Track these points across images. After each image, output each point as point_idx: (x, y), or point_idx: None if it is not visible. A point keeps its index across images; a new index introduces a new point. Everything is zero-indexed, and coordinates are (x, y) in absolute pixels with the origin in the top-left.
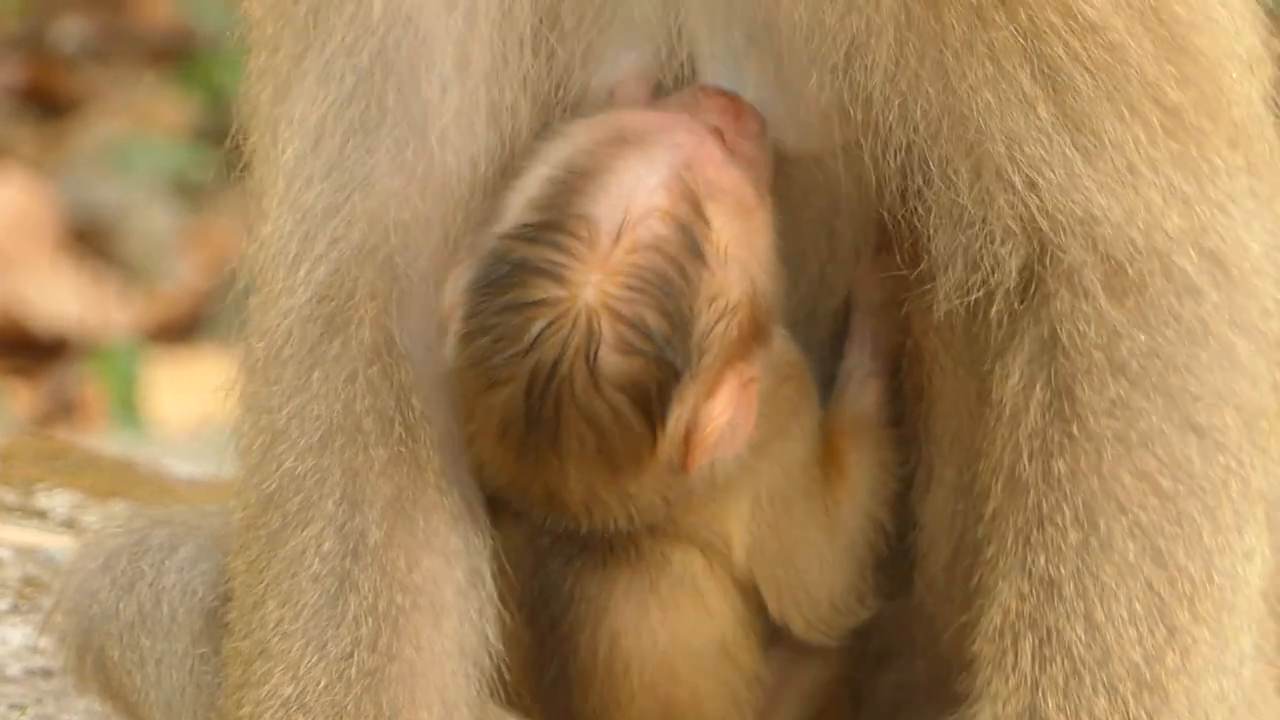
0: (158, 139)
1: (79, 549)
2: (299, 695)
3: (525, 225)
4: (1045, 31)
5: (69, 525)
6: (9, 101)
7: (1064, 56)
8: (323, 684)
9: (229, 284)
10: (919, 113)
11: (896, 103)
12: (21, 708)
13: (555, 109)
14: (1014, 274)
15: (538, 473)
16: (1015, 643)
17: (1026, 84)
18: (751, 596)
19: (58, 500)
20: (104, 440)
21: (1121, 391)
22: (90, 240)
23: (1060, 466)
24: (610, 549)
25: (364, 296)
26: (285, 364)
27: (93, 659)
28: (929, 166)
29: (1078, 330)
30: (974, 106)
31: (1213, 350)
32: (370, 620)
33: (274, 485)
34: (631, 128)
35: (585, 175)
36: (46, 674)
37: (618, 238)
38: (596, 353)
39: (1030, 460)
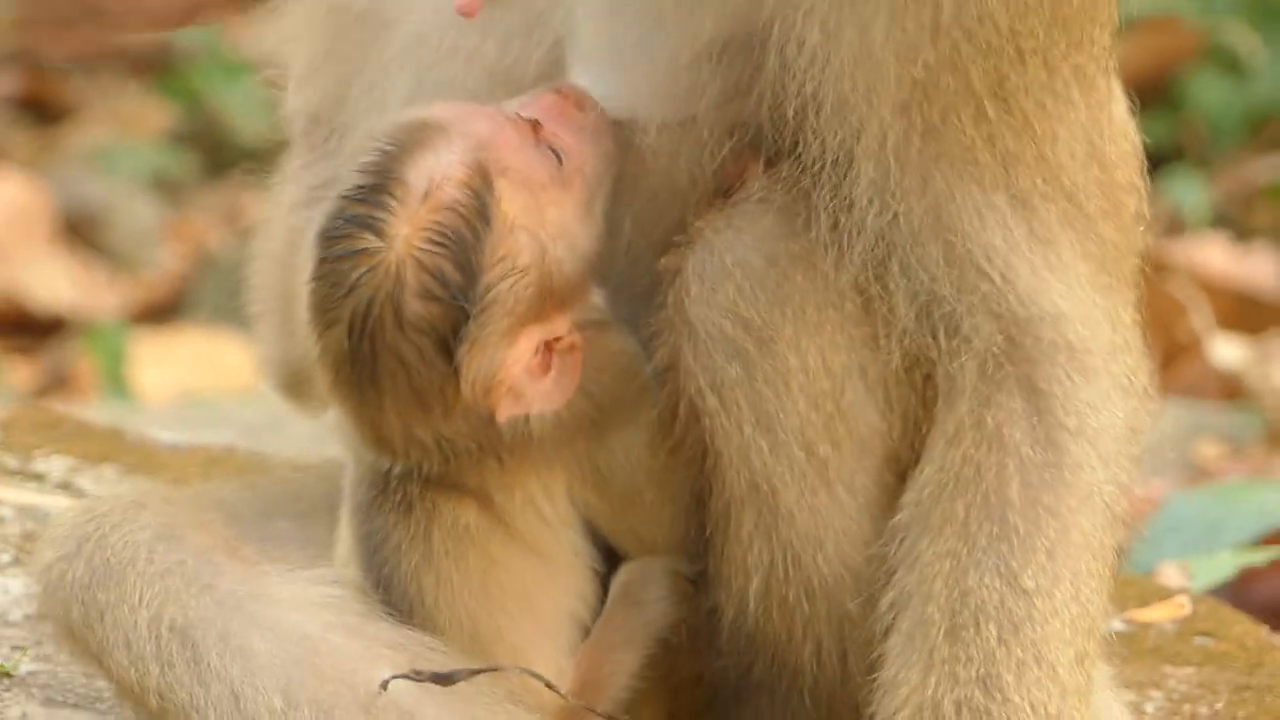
0: (140, 142)
1: (45, 543)
2: None
3: (357, 186)
4: (1018, 165)
5: (64, 487)
6: (7, 109)
7: (1032, 189)
8: None
9: (205, 270)
10: (900, 218)
11: (876, 210)
12: (23, 649)
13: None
14: (978, 344)
15: (363, 410)
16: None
17: (1004, 207)
18: (551, 554)
19: (54, 464)
20: (95, 410)
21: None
22: (81, 232)
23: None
24: (393, 491)
25: None
26: None
27: (64, 630)
28: (902, 251)
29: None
30: (957, 221)
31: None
32: None
33: None
34: (444, 113)
35: (404, 148)
36: (45, 619)
37: (424, 198)
38: (402, 297)
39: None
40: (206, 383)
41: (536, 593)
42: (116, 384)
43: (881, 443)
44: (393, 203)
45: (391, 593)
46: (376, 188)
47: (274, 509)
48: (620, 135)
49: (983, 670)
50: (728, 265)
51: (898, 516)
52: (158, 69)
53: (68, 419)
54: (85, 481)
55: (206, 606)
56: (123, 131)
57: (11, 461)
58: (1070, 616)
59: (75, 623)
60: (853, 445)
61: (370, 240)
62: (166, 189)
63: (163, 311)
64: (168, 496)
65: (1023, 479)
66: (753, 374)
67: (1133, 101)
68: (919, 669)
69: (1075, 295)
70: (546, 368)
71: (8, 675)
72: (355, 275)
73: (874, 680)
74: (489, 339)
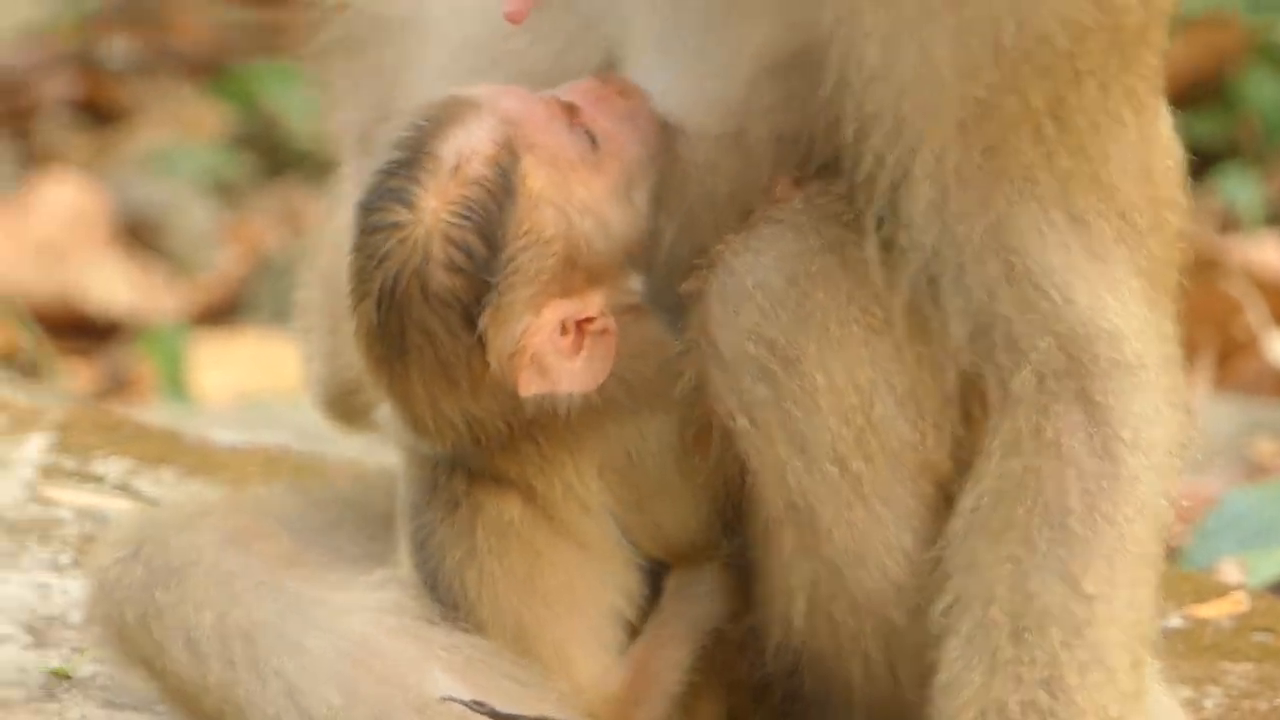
0: (197, 145)
1: (102, 548)
2: None
3: (392, 161)
4: (1075, 184)
5: (123, 488)
6: (65, 112)
7: (1088, 208)
8: None
9: (263, 272)
10: (960, 236)
11: (933, 228)
12: (82, 651)
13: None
14: (1038, 361)
15: (393, 384)
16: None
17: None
18: (595, 547)
19: (113, 466)
20: (153, 412)
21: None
22: (139, 235)
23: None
24: (441, 489)
25: None
26: None
27: (115, 631)
28: (958, 269)
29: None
30: (1017, 239)
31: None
32: None
33: None
34: (478, 93)
35: (437, 123)
36: (96, 620)
37: (453, 172)
38: (428, 268)
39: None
40: (264, 384)
41: (580, 587)
42: (175, 386)
43: (914, 454)
44: (424, 176)
45: (438, 590)
46: (409, 161)
47: (336, 523)
48: (669, 134)
49: (1047, 672)
50: (748, 287)
51: (953, 523)
52: (214, 72)
53: (126, 421)
54: (144, 483)
55: (268, 608)
56: (180, 134)
57: (70, 463)
58: (1128, 622)
59: (129, 623)
60: (885, 459)
61: (401, 213)
62: (224, 191)
63: (220, 313)
64: (230, 505)
65: (1082, 487)
66: (781, 394)
67: (1185, 100)
68: (982, 670)
69: (1129, 311)
70: (577, 348)
71: (67, 677)
72: (385, 247)
73: (925, 689)
74: (512, 308)
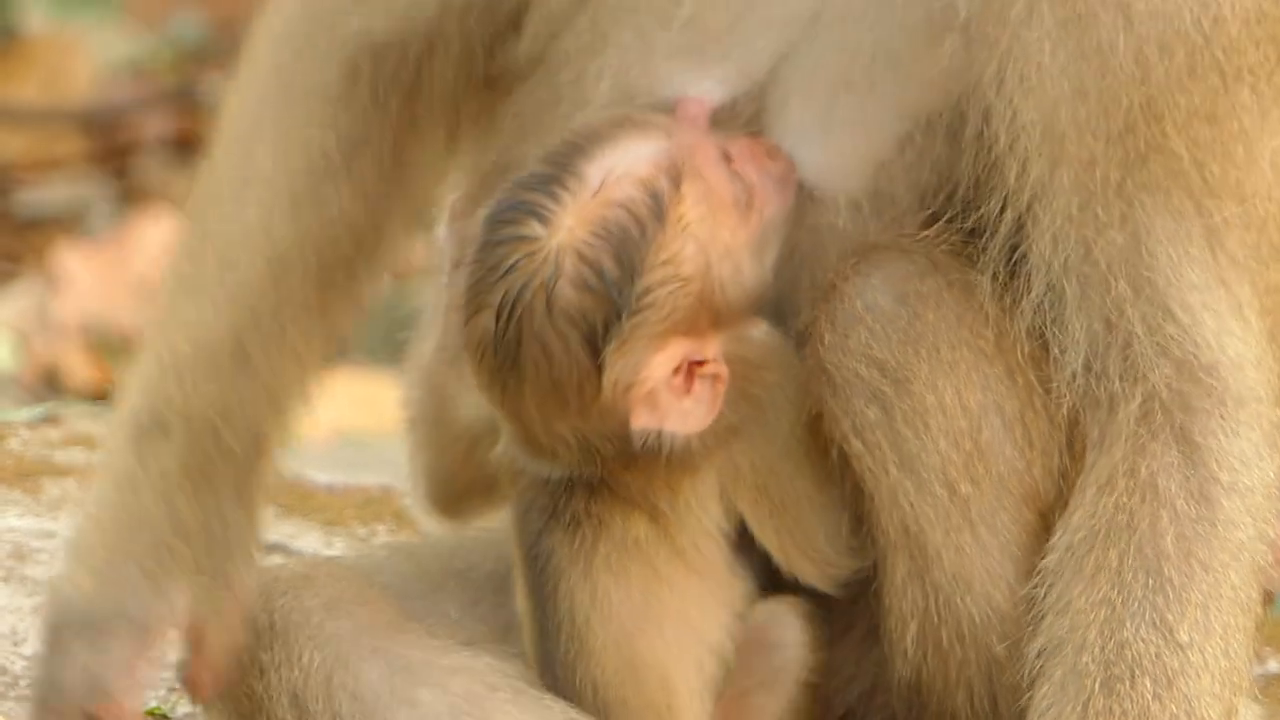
0: None
1: None
2: None
3: (533, 174)
4: (1217, 194)
5: None
6: (163, 149)
7: (1225, 223)
8: None
9: (360, 311)
10: (1096, 251)
11: (1068, 243)
12: (177, 690)
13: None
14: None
15: (505, 398)
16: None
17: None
18: (709, 573)
19: None
20: None
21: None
22: None
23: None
24: (561, 510)
25: None
26: None
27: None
28: (1084, 286)
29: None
30: (1153, 256)
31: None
32: None
33: None
34: (645, 117)
35: (590, 141)
36: None
37: (597, 192)
38: (556, 284)
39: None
40: (362, 423)
41: (694, 615)
42: None
43: (1020, 481)
44: (563, 194)
45: (549, 618)
46: (550, 178)
47: (440, 587)
48: (805, 201)
49: None
50: (858, 310)
51: (1046, 560)
52: None
53: None
54: None
55: (375, 669)
56: None
57: None
58: (1221, 670)
59: (229, 680)
60: (992, 484)
61: (534, 227)
62: None
63: None
64: (333, 571)
65: (1177, 531)
66: (891, 415)
67: None
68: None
69: (1250, 339)
70: (688, 389)
71: (165, 717)
72: (512, 259)
73: None
74: (637, 341)
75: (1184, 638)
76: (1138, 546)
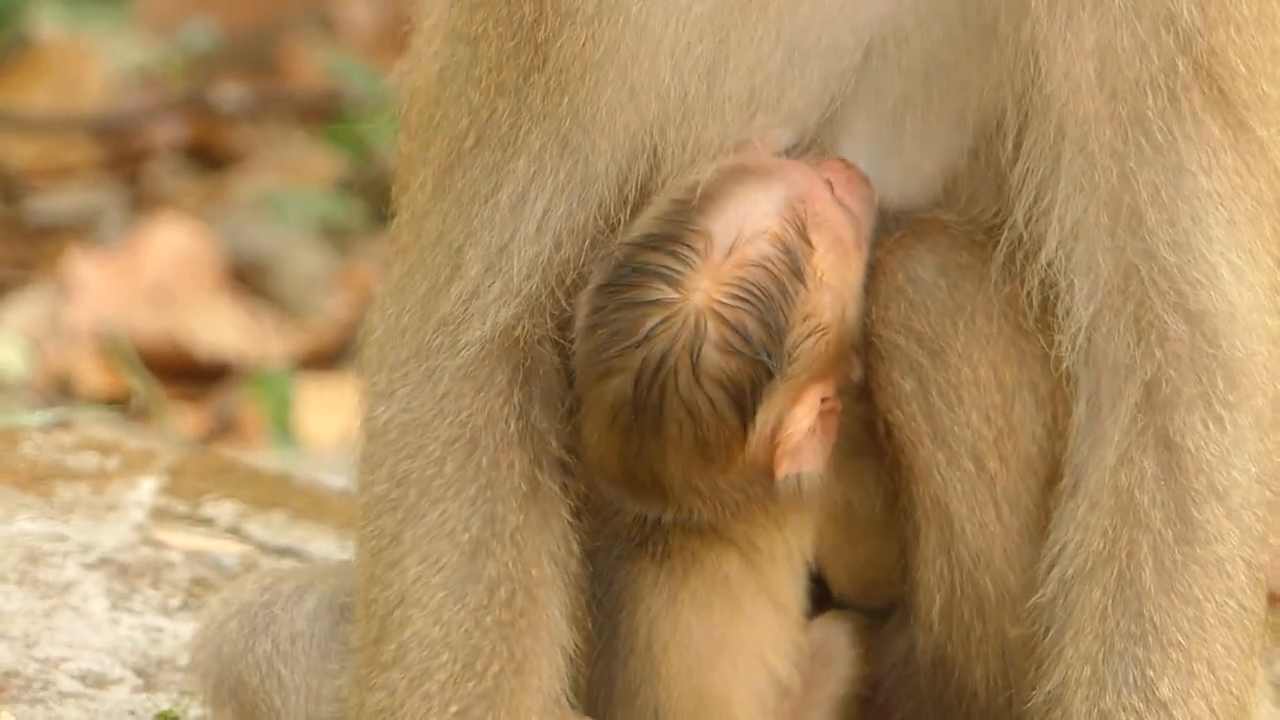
0: (307, 190)
1: (214, 604)
2: (443, 636)
3: (650, 235)
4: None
5: (233, 532)
6: (176, 157)
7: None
8: (463, 629)
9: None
10: (1135, 178)
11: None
12: (192, 694)
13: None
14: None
15: (640, 458)
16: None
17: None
18: (788, 607)
19: (223, 510)
20: (262, 456)
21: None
22: (248, 279)
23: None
24: (651, 543)
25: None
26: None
27: (229, 688)
28: (1112, 222)
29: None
30: (1187, 198)
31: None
32: (506, 582)
33: (415, 466)
34: (755, 163)
35: (708, 197)
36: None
37: (730, 252)
38: (700, 349)
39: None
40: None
41: (769, 647)
42: (282, 430)
43: (1045, 463)
44: (690, 254)
45: (618, 639)
46: (671, 238)
47: None
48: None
49: None
50: (899, 282)
51: (1042, 591)
52: (325, 116)
53: (236, 465)
54: (254, 527)
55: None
56: (290, 179)
57: (180, 507)
58: (1212, 705)
59: (251, 687)
60: (1018, 462)
61: (663, 290)
62: (334, 237)
63: (329, 358)
64: (339, 573)
65: (1156, 561)
66: (926, 387)
67: None
68: None
69: (1263, 306)
70: (827, 434)
71: None
72: (649, 325)
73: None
74: (783, 395)
75: (1166, 693)
76: (1119, 583)
